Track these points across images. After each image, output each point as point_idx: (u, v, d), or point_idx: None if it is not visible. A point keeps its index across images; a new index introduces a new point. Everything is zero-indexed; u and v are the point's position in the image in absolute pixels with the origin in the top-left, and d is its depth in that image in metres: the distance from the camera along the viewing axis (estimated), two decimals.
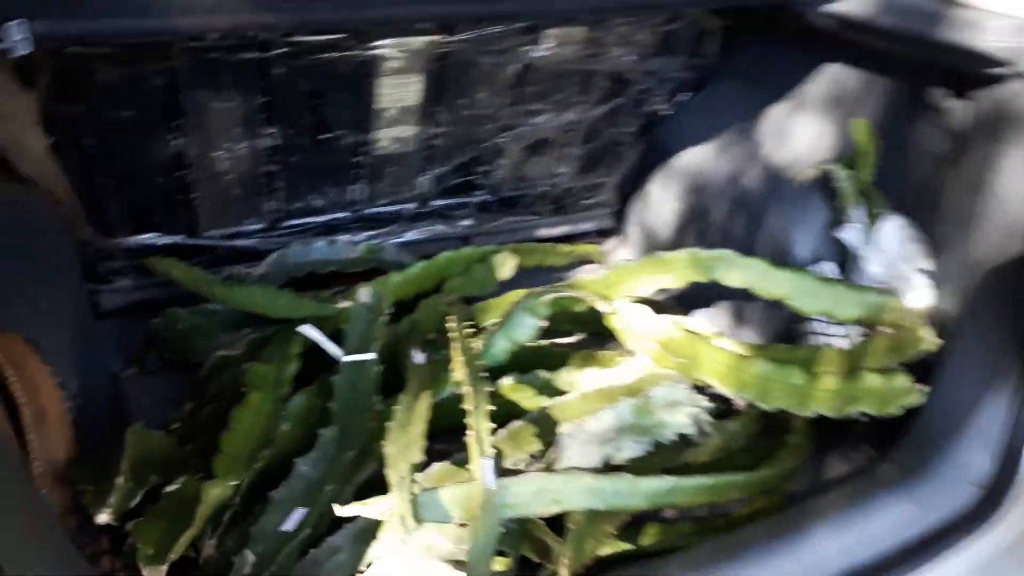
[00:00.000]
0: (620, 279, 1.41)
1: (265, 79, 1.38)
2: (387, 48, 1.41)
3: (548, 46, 1.56)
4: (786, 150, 1.53)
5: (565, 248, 1.87)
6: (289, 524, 1.00)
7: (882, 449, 1.15)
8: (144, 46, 1.21)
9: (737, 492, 1.11)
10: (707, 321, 1.59)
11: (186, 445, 1.21)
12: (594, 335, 1.66)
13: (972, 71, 1.13)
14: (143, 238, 1.56)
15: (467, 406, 1.06)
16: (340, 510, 0.95)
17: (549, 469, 1.10)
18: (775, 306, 1.44)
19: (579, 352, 1.53)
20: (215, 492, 0.98)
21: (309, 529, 0.99)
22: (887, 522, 0.98)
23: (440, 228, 1.85)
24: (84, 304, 1.43)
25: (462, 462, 1.14)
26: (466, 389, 1.10)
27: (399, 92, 1.52)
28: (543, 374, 1.40)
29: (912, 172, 1.33)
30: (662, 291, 1.42)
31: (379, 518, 0.96)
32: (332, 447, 1.09)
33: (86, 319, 1.39)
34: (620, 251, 2.02)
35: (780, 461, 1.18)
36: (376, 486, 1.12)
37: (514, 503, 0.98)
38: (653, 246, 1.88)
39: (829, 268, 1.39)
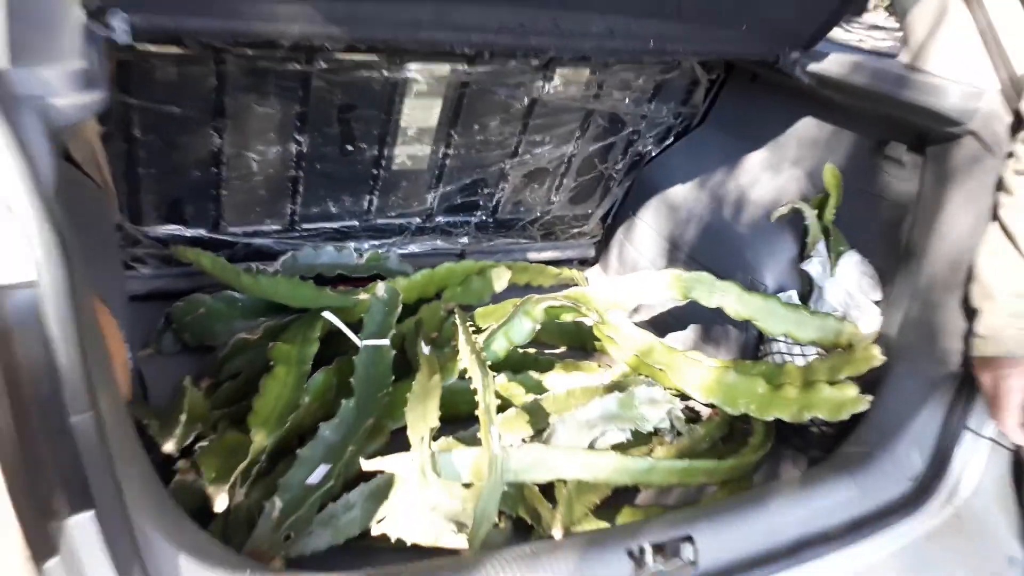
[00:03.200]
0: (607, 293, 1.57)
1: (304, 90, 1.52)
2: (415, 72, 1.57)
3: (556, 84, 1.74)
4: (761, 191, 1.72)
5: (553, 270, 2.02)
6: (314, 478, 1.12)
7: (831, 451, 1.31)
8: (204, 49, 1.35)
9: (704, 477, 1.25)
10: (679, 341, 1.77)
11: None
12: (574, 349, 1.83)
13: (931, 128, 1.32)
14: (170, 228, 1.69)
15: (475, 384, 1.20)
16: (367, 464, 1.08)
17: None
18: (740, 328, 1.62)
19: (564, 360, 1.68)
20: (258, 439, 1.10)
21: (331, 481, 1.11)
22: (834, 502, 1.13)
23: (440, 243, 2.00)
24: (125, 281, 1.55)
25: (466, 439, 1.27)
26: (475, 371, 1.23)
27: (421, 113, 1.68)
28: (534, 375, 1.54)
29: (870, 213, 1.52)
30: (640, 308, 1.59)
31: (398, 472, 1.08)
32: (352, 416, 1.22)
33: (125, 295, 1.49)
34: (600, 280, 2.19)
35: (743, 456, 1.33)
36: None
37: (516, 468, 1.11)
38: None
39: (792, 295, 1.56)
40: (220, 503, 1.06)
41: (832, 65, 1.46)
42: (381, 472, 1.13)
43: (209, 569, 0.82)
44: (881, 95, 1.37)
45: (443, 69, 1.59)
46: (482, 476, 1.09)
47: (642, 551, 0.98)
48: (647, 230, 2.01)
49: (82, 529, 0.72)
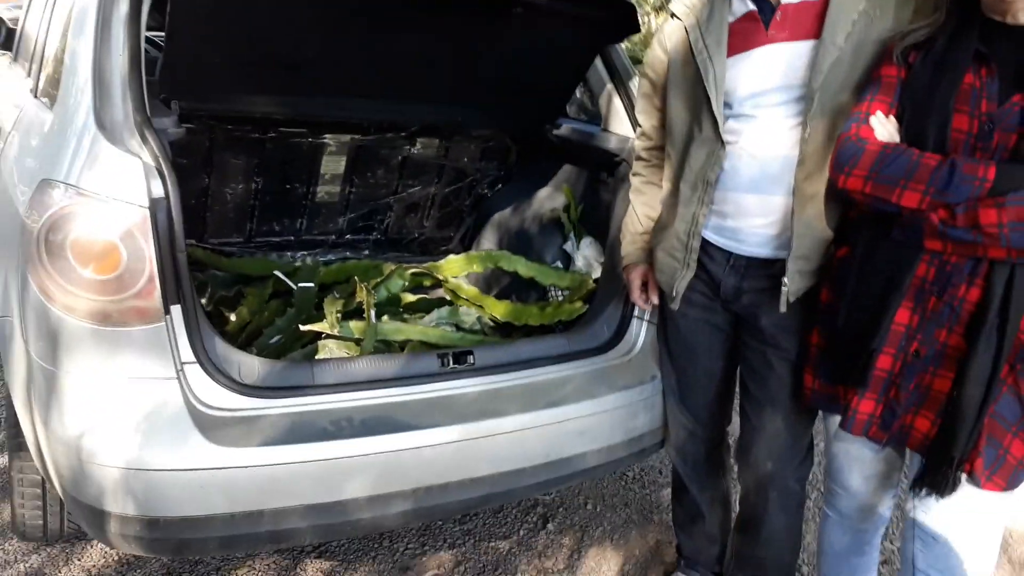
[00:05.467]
0: (450, 264, 2.54)
1: (261, 150, 2.47)
2: (329, 139, 2.55)
3: (418, 148, 2.75)
4: (543, 208, 2.75)
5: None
6: (273, 341, 2.01)
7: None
8: (203, 125, 2.29)
9: None
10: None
11: None
12: None
13: (610, 159, 2.34)
14: None
15: (365, 298, 2.12)
16: (304, 327, 1.98)
17: None
18: (533, 283, 2.60)
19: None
20: (241, 318, 2.00)
21: (283, 339, 2.00)
22: (554, 345, 2.05)
23: (348, 255, 2.93)
24: None
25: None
26: (366, 295, 2.16)
27: (333, 165, 2.64)
28: (405, 316, 2.47)
29: (597, 213, 2.54)
30: (470, 273, 2.56)
31: (321, 330, 1.98)
32: (293, 315, 2.13)
33: None
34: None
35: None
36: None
37: (384, 331, 2.03)
38: None
39: (558, 263, 2.56)
40: None
41: (566, 131, 2.52)
42: (312, 338, 2.03)
43: (231, 347, 1.70)
44: (588, 145, 2.42)
45: (346, 138, 2.57)
46: (365, 334, 2.00)
47: (445, 356, 1.89)
48: (487, 243, 3.00)
49: (175, 311, 1.59)
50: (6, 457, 1.98)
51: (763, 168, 1.65)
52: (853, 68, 1.54)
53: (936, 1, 1.50)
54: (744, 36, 1.64)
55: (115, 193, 1.49)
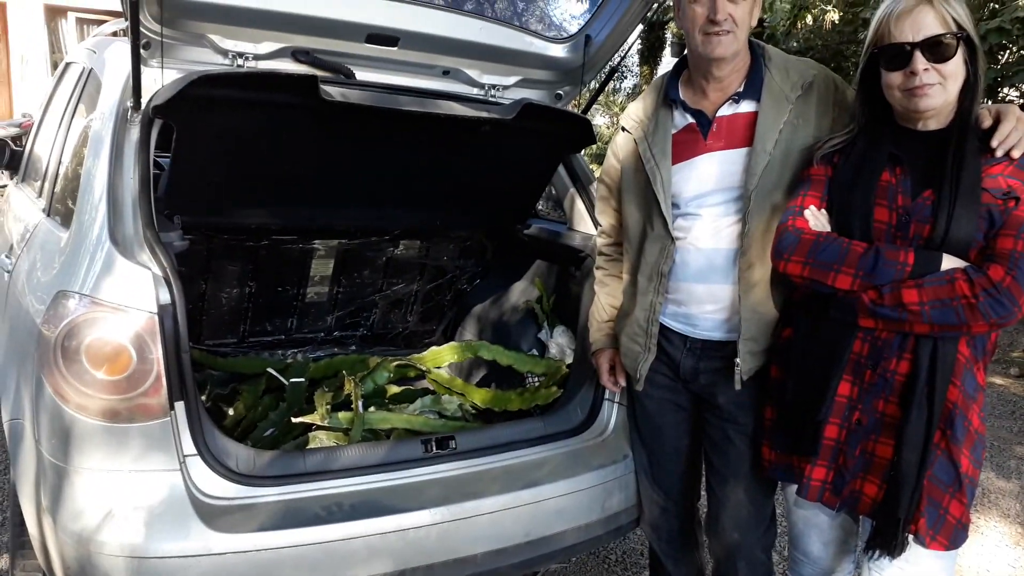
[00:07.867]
0: (432, 355, 2.65)
1: (255, 256, 2.62)
2: (318, 244, 2.70)
3: (401, 249, 2.91)
4: (517, 298, 2.89)
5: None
6: (267, 433, 2.10)
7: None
8: (202, 236, 2.44)
9: None
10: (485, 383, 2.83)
11: None
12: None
13: (578, 256, 2.51)
14: None
15: (353, 389, 2.23)
16: (296, 419, 2.07)
17: None
18: (511, 370, 2.72)
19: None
20: (237, 414, 2.08)
21: (276, 432, 2.09)
22: (530, 428, 2.15)
23: (336, 351, 3.04)
24: None
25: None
26: (353, 387, 2.27)
27: (321, 267, 2.79)
28: (390, 406, 2.56)
29: (569, 303, 2.69)
30: (451, 363, 2.68)
31: (312, 421, 2.07)
32: (285, 410, 2.22)
33: None
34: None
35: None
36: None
37: (370, 420, 2.13)
38: None
39: (534, 351, 2.68)
40: None
41: (535, 230, 2.70)
42: (304, 429, 2.12)
43: (229, 440, 1.79)
44: (556, 243, 2.59)
45: (334, 242, 2.73)
46: (353, 424, 2.10)
47: (428, 441, 1.98)
48: (467, 334, 3.13)
49: (179, 407, 1.69)
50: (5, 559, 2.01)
51: (709, 260, 1.81)
52: (783, 171, 1.73)
53: (851, 113, 1.71)
54: (686, 145, 1.84)
55: (127, 301, 1.62)
